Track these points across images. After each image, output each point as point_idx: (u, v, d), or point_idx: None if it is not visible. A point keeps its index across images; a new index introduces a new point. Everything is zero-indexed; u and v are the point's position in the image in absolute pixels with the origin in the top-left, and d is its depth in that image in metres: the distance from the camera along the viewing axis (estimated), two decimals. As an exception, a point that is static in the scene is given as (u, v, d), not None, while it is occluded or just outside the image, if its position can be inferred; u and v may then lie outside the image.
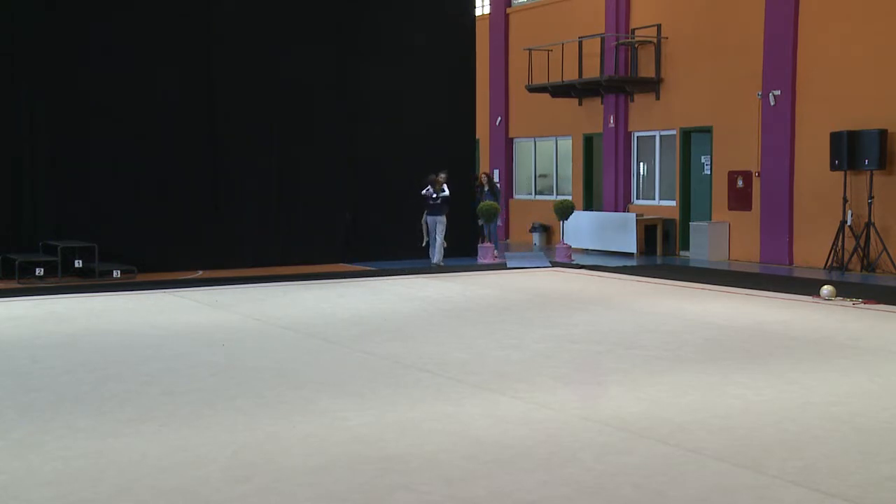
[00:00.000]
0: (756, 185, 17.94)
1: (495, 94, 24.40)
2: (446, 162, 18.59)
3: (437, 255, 17.08)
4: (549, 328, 10.33)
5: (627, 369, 8.14)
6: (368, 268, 16.66)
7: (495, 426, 6.33)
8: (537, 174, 23.87)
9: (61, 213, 15.64)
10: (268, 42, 17.11)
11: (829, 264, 16.22)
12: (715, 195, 18.82)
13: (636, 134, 20.90)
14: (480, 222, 18.73)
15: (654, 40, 19.98)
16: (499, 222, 19.46)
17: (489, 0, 24.96)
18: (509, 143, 24.48)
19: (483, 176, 19.69)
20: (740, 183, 18.24)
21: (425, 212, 17.28)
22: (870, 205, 15.74)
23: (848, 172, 16.06)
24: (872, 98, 15.93)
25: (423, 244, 17.39)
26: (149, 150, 16.06)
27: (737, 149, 18.31)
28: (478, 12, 21.74)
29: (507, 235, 23.78)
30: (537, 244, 22.36)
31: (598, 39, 21.09)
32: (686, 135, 19.67)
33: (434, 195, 17.20)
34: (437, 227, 17.09)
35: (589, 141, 22.15)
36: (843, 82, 16.40)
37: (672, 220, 19.76)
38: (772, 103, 17.41)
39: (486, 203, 18.27)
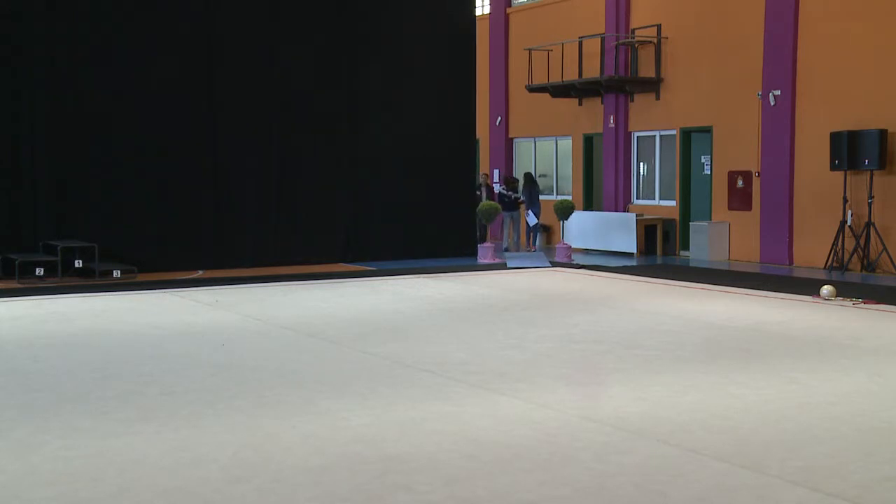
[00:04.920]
0: (756, 185, 17.95)
1: (495, 94, 24.41)
2: (446, 162, 18.63)
3: (504, 242, 20.48)
4: (549, 328, 10.33)
5: (627, 369, 8.14)
6: (368, 268, 16.66)
7: (495, 426, 6.33)
8: (537, 174, 23.84)
9: (61, 213, 15.63)
10: (268, 42, 17.10)
11: (829, 264, 16.22)
12: (715, 195, 18.83)
13: (636, 134, 20.91)
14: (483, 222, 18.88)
15: (654, 40, 19.98)
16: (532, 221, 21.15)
17: (489, 0, 24.96)
18: (509, 143, 24.48)
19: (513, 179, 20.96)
20: (740, 183, 18.25)
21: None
22: (870, 205, 15.75)
23: (848, 172, 16.07)
24: (872, 98, 15.94)
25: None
26: (149, 149, 16.04)
27: (737, 149, 18.32)
28: (478, 12, 21.73)
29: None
30: (537, 244, 22.35)
31: (598, 39, 21.10)
32: (686, 135, 19.68)
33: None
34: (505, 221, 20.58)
35: (589, 141, 22.16)
36: (843, 82, 16.41)
37: (672, 220, 19.77)
38: (772, 103, 17.41)
39: (487, 203, 18.29)
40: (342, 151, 17.79)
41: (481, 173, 21.67)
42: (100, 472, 5.43)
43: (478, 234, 19.55)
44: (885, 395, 7.18)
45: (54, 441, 6.03)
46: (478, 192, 20.40)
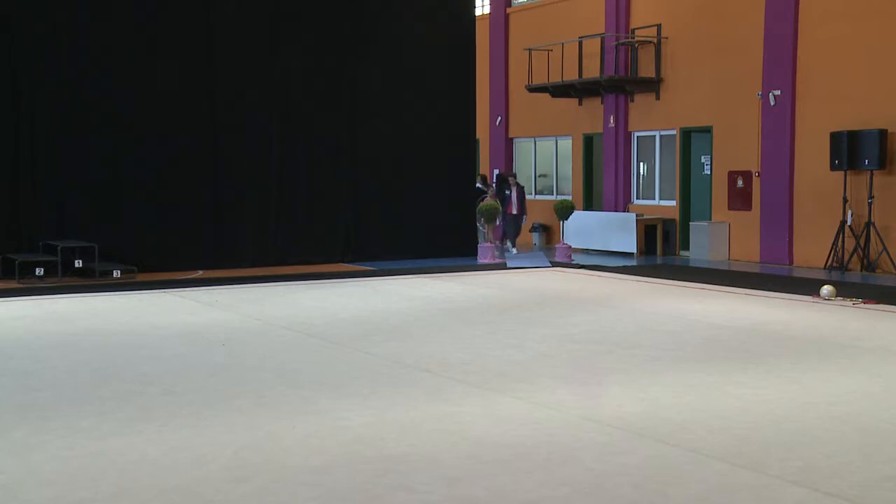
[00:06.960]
0: (756, 185, 17.95)
1: (495, 94, 24.40)
2: (446, 162, 18.63)
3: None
4: (549, 328, 10.33)
5: (627, 369, 8.14)
6: (368, 268, 16.66)
7: (495, 426, 6.33)
8: (537, 174, 23.87)
9: (61, 213, 15.62)
10: (268, 42, 17.10)
11: (829, 264, 16.22)
12: (715, 195, 18.83)
13: (636, 134, 20.91)
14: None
15: (654, 40, 19.98)
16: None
17: (489, 0, 24.96)
18: (509, 143, 24.47)
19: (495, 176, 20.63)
20: (740, 183, 18.25)
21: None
22: (870, 205, 15.75)
23: (848, 172, 16.06)
24: (872, 98, 15.94)
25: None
26: (149, 149, 16.04)
27: (737, 149, 18.32)
28: (478, 12, 21.74)
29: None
30: (537, 244, 22.37)
31: (598, 39, 21.09)
32: (686, 135, 19.68)
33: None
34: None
35: (589, 141, 22.15)
36: (843, 82, 16.41)
37: (672, 220, 19.77)
38: (772, 103, 17.41)
39: (487, 203, 18.29)
40: (342, 151, 17.79)
41: (510, 174, 21.32)
42: (100, 472, 5.43)
43: (505, 234, 19.80)
44: (885, 395, 7.18)
45: (54, 441, 6.03)
46: (507, 192, 20.31)
